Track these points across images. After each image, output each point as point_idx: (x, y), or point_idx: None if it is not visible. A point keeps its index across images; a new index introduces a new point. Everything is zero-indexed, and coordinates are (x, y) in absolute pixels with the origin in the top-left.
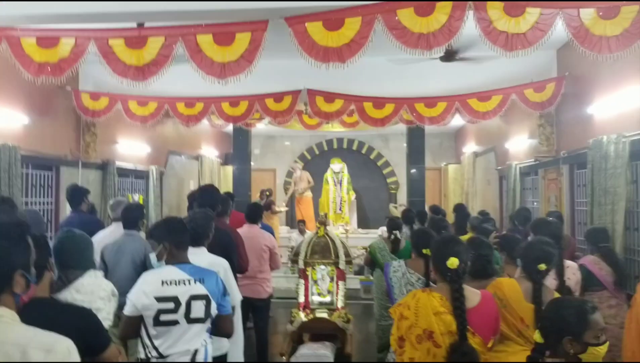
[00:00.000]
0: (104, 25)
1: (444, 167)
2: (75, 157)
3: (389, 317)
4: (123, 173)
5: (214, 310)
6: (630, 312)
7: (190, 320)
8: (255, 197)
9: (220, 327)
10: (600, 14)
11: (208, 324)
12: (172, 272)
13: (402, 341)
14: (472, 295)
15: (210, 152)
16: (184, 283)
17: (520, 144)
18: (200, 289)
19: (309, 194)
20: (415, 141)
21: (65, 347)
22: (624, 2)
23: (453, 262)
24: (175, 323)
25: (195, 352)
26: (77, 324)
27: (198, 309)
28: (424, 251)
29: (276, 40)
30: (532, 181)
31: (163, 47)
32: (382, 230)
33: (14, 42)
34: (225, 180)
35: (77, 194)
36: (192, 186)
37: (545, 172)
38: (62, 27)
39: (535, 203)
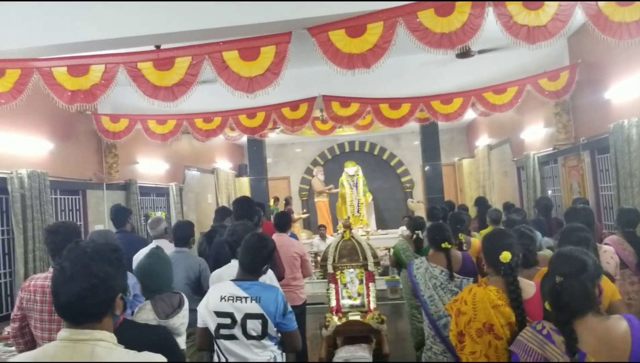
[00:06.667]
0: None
1: (458, 162)
2: (99, 179)
3: (420, 317)
4: (145, 191)
5: (271, 329)
6: None
7: (248, 337)
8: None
9: (285, 343)
10: (618, 1)
11: (269, 340)
12: (230, 288)
13: (461, 336)
14: (527, 286)
15: (224, 165)
16: (240, 301)
17: (536, 134)
18: (255, 308)
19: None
20: (429, 138)
21: None
22: None
23: (506, 256)
24: (234, 337)
25: None
26: (155, 342)
27: (253, 327)
28: (443, 245)
29: (292, 49)
30: (552, 169)
31: (190, 67)
32: (402, 230)
33: (45, 73)
34: (240, 191)
35: (121, 215)
36: (210, 199)
37: (565, 160)
38: (89, 55)
39: (552, 191)
